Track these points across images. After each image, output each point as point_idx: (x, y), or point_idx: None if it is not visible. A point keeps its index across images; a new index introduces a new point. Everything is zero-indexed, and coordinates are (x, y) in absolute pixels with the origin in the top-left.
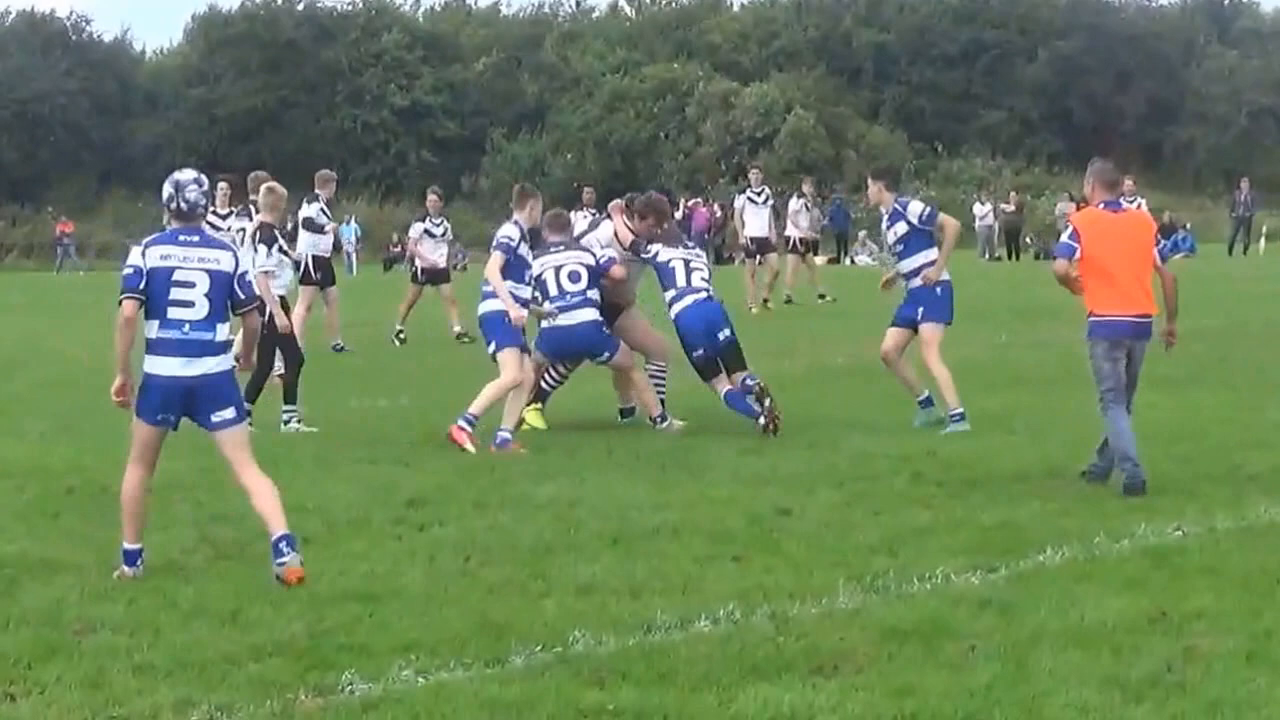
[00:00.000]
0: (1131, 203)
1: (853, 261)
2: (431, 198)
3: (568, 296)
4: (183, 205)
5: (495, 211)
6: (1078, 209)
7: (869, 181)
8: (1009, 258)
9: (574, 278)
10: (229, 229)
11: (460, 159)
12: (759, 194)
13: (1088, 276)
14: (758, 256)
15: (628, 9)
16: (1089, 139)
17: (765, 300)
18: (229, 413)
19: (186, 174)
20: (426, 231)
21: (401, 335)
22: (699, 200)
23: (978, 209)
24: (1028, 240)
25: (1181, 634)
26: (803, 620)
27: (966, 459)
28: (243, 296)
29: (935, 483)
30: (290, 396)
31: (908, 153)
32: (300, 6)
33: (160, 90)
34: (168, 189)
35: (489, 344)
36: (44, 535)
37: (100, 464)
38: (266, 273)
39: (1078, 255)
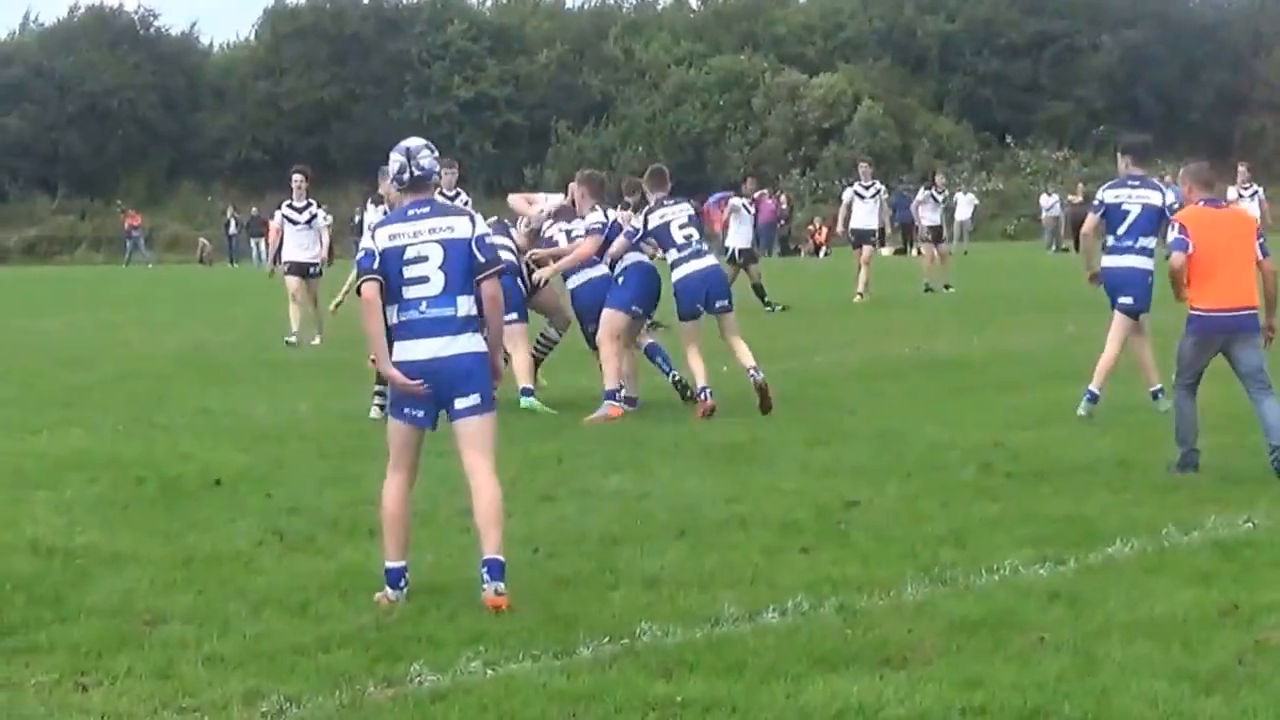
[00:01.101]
0: (1249, 191)
1: (919, 253)
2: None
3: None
4: (417, 172)
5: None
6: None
7: (1118, 156)
8: (1076, 249)
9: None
10: (305, 221)
11: (524, 150)
12: (867, 187)
13: (1192, 271)
14: (862, 248)
15: (693, 2)
16: (1157, 129)
17: (860, 293)
18: (473, 399)
19: (415, 141)
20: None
21: None
22: (765, 191)
23: (1044, 200)
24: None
25: (1252, 627)
26: (871, 612)
27: (1035, 450)
28: (482, 260)
29: (1003, 474)
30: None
31: (974, 143)
32: (367, 0)
33: (227, 84)
34: (398, 159)
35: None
36: (114, 527)
37: (170, 456)
38: None
39: (1191, 249)
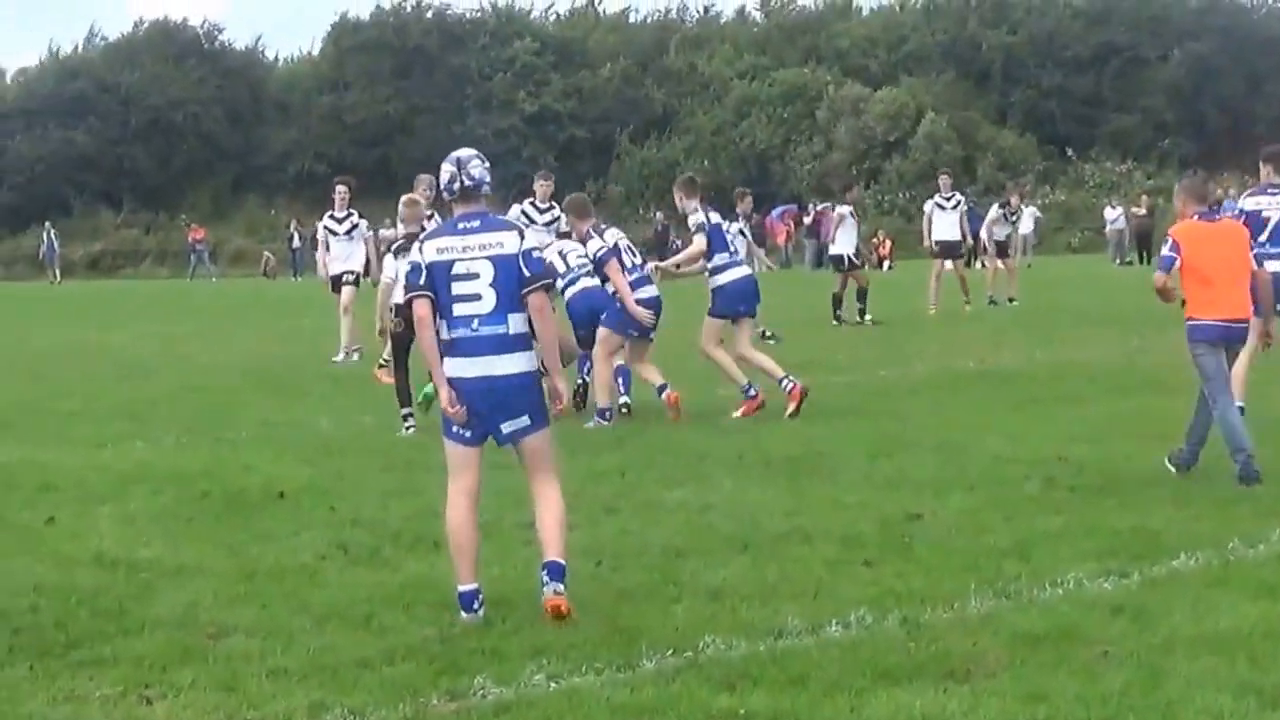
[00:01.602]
0: (950, 201)
1: (983, 265)
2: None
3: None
4: (466, 182)
5: (625, 216)
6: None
7: (1260, 164)
8: (1140, 262)
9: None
10: (345, 232)
11: (587, 164)
12: (948, 199)
13: (1187, 283)
14: (944, 260)
15: (756, 14)
16: (1223, 142)
17: (965, 302)
18: (522, 420)
19: (466, 151)
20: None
21: None
22: (828, 205)
23: (1108, 213)
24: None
25: None
26: (934, 625)
27: (1098, 464)
28: (529, 274)
29: (1067, 487)
30: (404, 400)
31: (1037, 156)
32: (429, 14)
33: (291, 97)
34: (448, 169)
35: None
36: (178, 539)
37: (234, 469)
38: (390, 283)
39: (1177, 266)
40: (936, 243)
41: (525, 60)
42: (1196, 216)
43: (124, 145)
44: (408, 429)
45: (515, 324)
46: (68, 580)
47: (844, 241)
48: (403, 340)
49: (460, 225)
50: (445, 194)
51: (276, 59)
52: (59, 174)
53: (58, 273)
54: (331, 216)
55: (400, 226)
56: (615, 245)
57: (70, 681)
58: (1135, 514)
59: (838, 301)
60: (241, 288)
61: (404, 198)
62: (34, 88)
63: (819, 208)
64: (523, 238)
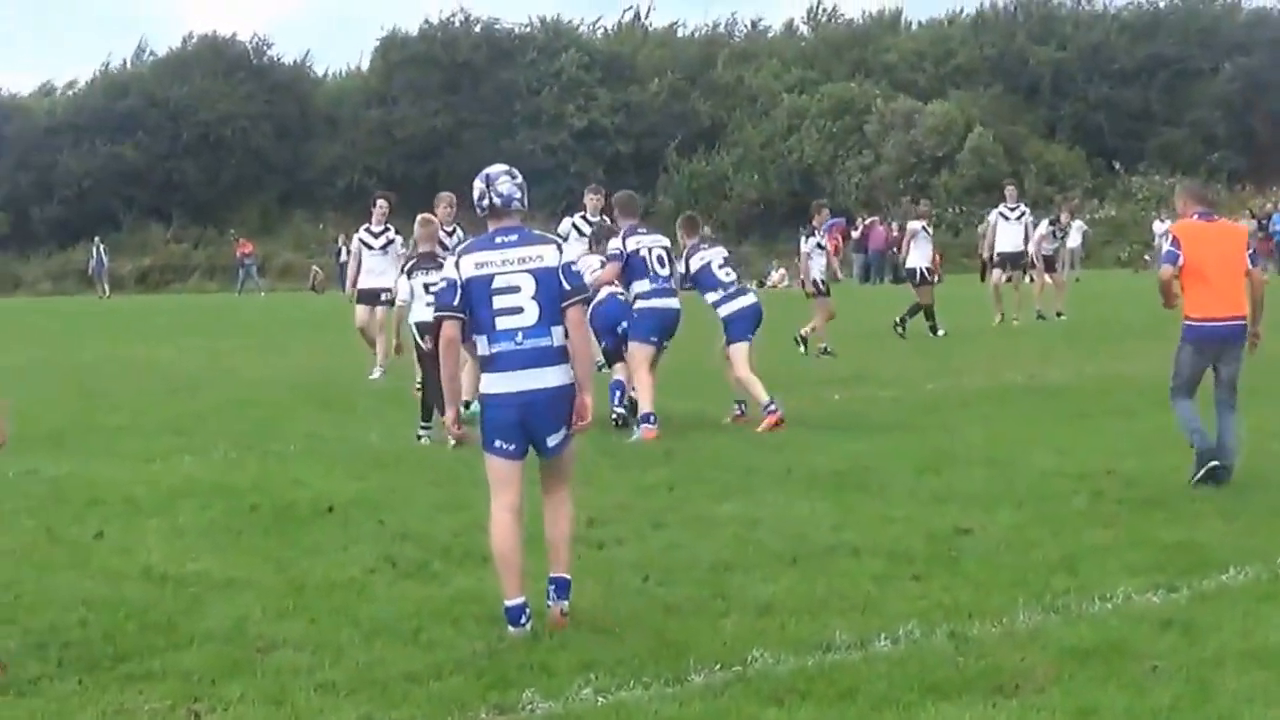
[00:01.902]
0: (1015, 211)
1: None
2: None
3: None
4: (495, 200)
5: (673, 232)
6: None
7: None
8: None
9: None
10: (380, 247)
11: (635, 178)
12: (1013, 209)
13: (1185, 282)
14: (1007, 272)
15: (804, 29)
16: (1272, 156)
17: (1014, 318)
18: (563, 434)
19: (497, 168)
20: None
21: None
22: (876, 219)
23: (1157, 226)
24: None
25: None
26: (982, 640)
27: (1147, 477)
28: (568, 287)
29: (1115, 501)
30: (427, 414)
31: (1085, 170)
32: (478, 28)
33: (339, 112)
34: (478, 186)
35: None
36: (227, 553)
37: (282, 483)
38: (405, 303)
39: (1181, 261)
40: (998, 254)
41: (572, 75)
42: (1196, 216)
43: (173, 160)
44: (419, 438)
45: (557, 336)
46: (116, 594)
47: (917, 256)
48: (432, 354)
49: (497, 239)
50: (477, 210)
51: (325, 73)
52: (108, 189)
53: (107, 287)
54: (368, 230)
55: (413, 245)
56: (622, 251)
57: (119, 695)
58: (1184, 528)
59: (929, 313)
60: (290, 302)
61: (419, 216)
62: (83, 103)
63: (867, 221)
64: (561, 251)
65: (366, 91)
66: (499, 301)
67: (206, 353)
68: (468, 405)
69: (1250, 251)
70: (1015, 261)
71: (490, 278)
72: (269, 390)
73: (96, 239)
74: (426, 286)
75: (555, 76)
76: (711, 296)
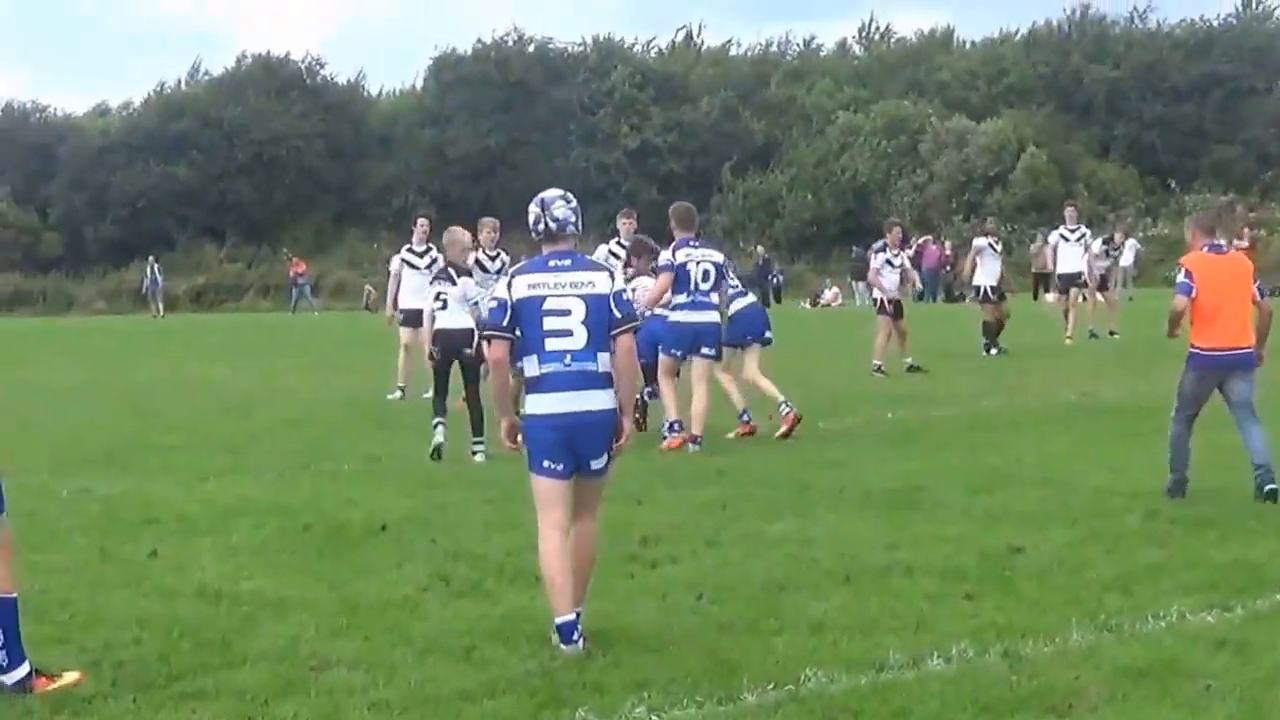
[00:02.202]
0: (1075, 233)
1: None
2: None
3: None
4: (551, 224)
5: (726, 251)
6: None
7: None
8: None
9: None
10: (424, 266)
11: (687, 197)
12: (1073, 230)
13: (1194, 312)
14: (1070, 291)
15: (857, 48)
16: None
17: (1100, 332)
18: (605, 458)
19: (552, 192)
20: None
21: None
22: (929, 238)
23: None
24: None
25: None
26: (1036, 659)
27: (1200, 496)
28: (619, 315)
29: (1169, 520)
30: (479, 429)
31: (1139, 189)
32: (531, 47)
33: (393, 132)
34: (534, 210)
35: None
36: (281, 572)
37: (336, 502)
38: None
39: (1194, 293)
40: (1060, 275)
41: (626, 94)
42: (1205, 248)
43: (227, 179)
44: (434, 452)
45: (603, 362)
46: (170, 613)
47: (984, 273)
48: (441, 365)
49: (551, 263)
50: (532, 234)
51: (379, 93)
52: (162, 208)
53: (161, 306)
54: (410, 249)
55: (441, 257)
56: (672, 263)
57: (173, 714)
58: (1238, 547)
59: (989, 330)
60: (343, 321)
61: (447, 230)
62: (138, 123)
63: (920, 240)
64: (613, 279)
65: (420, 111)
66: (549, 323)
67: (260, 372)
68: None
69: (1257, 283)
70: (1076, 282)
71: (542, 299)
72: (322, 409)
73: (151, 258)
74: (438, 295)
75: (609, 95)
76: (677, 298)
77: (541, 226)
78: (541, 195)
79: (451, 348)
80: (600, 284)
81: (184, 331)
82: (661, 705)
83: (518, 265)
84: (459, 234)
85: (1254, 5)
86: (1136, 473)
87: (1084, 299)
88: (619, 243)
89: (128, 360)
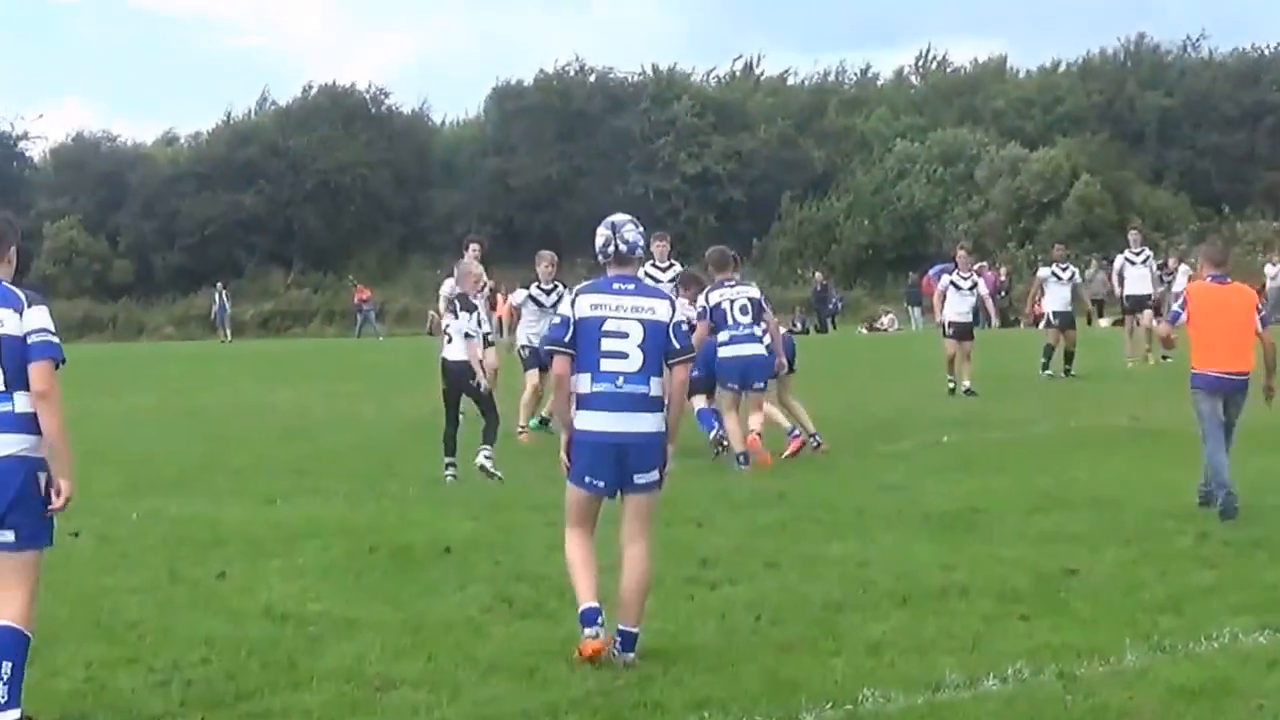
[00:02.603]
0: (1140, 255)
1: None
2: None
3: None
4: (621, 247)
5: (785, 276)
6: None
7: None
8: None
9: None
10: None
11: (746, 225)
12: (1138, 254)
13: (1192, 336)
14: (1136, 314)
15: (913, 77)
16: None
17: (1146, 355)
18: (653, 475)
19: (621, 216)
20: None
21: None
22: (985, 264)
23: (1269, 270)
24: None
25: None
26: (1090, 679)
27: (1252, 518)
28: (677, 346)
29: (1221, 542)
30: (490, 437)
31: (1192, 216)
32: (592, 78)
33: (456, 160)
34: (603, 233)
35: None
36: (347, 593)
37: (401, 524)
38: (469, 335)
39: (1182, 320)
40: (1127, 297)
41: (686, 122)
42: (1210, 278)
43: (293, 207)
44: (448, 477)
45: (655, 386)
46: (238, 633)
47: (1050, 300)
48: (450, 397)
49: (615, 285)
50: (600, 257)
51: (442, 122)
52: (230, 236)
53: (229, 332)
54: (539, 286)
55: (455, 287)
56: (705, 308)
57: None
58: None
59: (1048, 351)
60: (407, 346)
61: (460, 262)
62: (206, 152)
63: (975, 266)
64: (674, 309)
65: (482, 140)
66: (606, 344)
67: (325, 396)
68: (545, 423)
69: (1261, 314)
70: (1144, 303)
71: (602, 320)
72: (387, 433)
73: (219, 285)
74: (445, 329)
75: (669, 124)
76: (721, 336)
77: (611, 249)
78: (612, 219)
79: (456, 380)
80: (661, 312)
81: (251, 357)
82: None
83: (581, 284)
84: (471, 266)
85: None
86: (1188, 495)
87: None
88: (654, 265)
89: (196, 385)
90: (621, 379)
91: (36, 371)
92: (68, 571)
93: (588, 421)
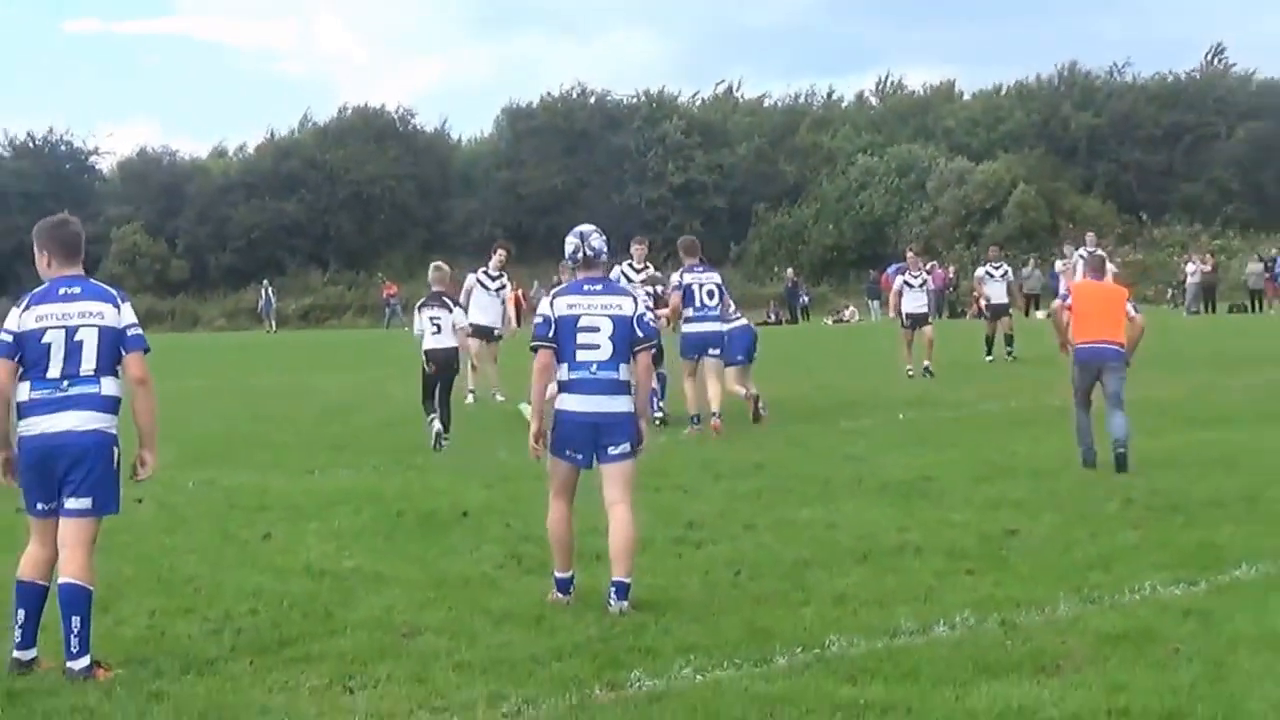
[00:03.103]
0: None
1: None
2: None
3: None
4: (589, 252)
5: (760, 275)
6: (1265, 268)
7: None
8: (1205, 311)
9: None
10: (496, 290)
11: (727, 229)
12: (1091, 252)
13: (1073, 319)
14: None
15: (873, 99)
16: (1278, 207)
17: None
18: (624, 447)
19: (588, 226)
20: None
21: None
22: (936, 263)
23: (1189, 268)
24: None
25: None
26: (1028, 627)
27: (1171, 487)
28: (641, 335)
29: (1144, 507)
30: (447, 426)
31: (1116, 221)
32: (592, 100)
33: (473, 173)
34: (573, 241)
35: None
36: (377, 552)
37: (425, 492)
38: (464, 328)
39: (1069, 302)
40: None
41: (674, 139)
42: (1090, 277)
43: (329, 214)
44: (435, 440)
45: (624, 372)
46: (281, 587)
47: (987, 294)
48: (430, 382)
49: (585, 287)
50: (570, 262)
51: (460, 139)
52: (274, 239)
53: (273, 323)
54: (485, 273)
55: (509, 284)
56: (680, 284)
57: (284, 674)
58: (1202, 530)
59: (990, 340)
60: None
61: (433, 264)
62: (253, 165)
63: (927, 266)
64: (636, 304)
65: (496, 155)
66: (581, 338)
67: (358, 380)
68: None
69: (1132, 304)
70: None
71: (577, 317)
72: (412, 412)
73: (265, 282)
74: (432, 320)
75: (659, 141)
76: (686, 313)
77: (580, 255)
78: (580, 229)
79: (444, 364)
80: (627, 307)
81: (293, 345)
82: (705, 666)
83: (559, 287)
84: (445, 269)
85: (1215, 61)
86: (1114, 466)
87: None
88: (631, 265)
89: (245, 370)
90: (595, 366)
91: (136, 361)
92: (132, 534)
93: (567, 403)
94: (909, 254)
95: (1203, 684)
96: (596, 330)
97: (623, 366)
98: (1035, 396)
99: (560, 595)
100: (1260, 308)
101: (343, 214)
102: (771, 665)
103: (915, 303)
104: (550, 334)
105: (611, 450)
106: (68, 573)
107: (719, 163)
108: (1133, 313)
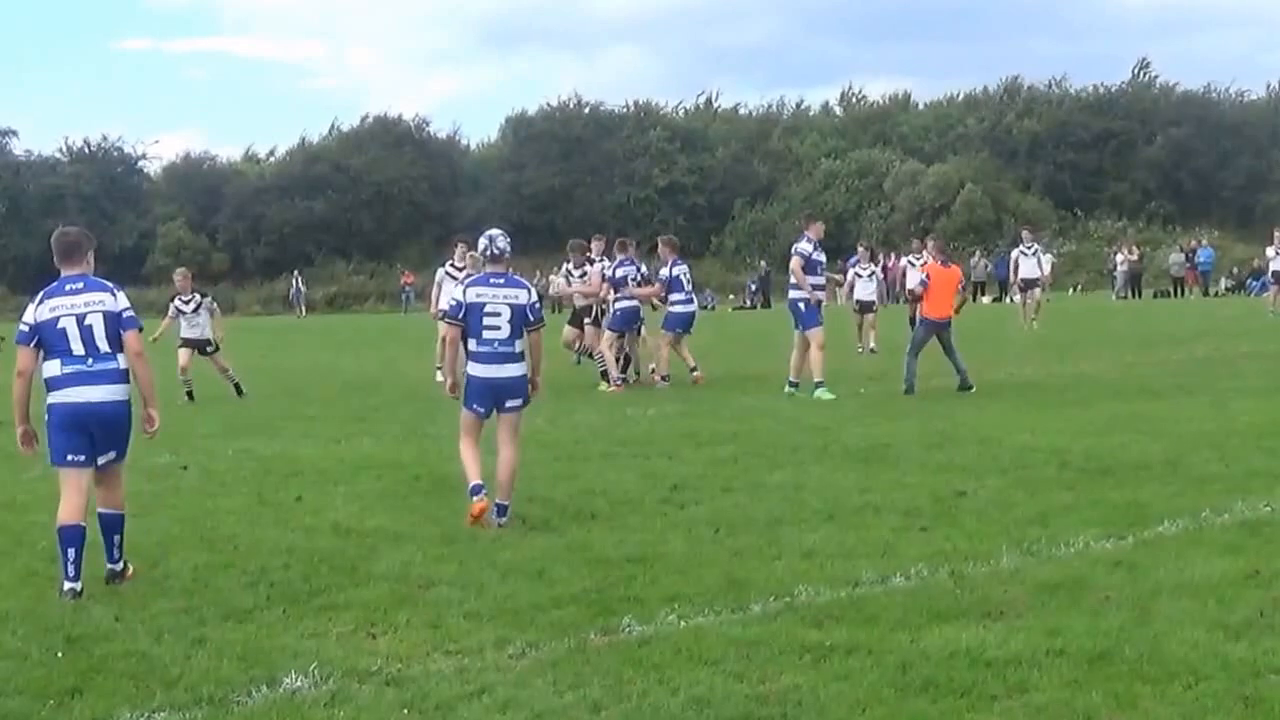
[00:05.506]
0: (1030, 249)
1: (1011, 300)
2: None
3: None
4: (494, 251)
5: (736, 265)
6: (1186, 258)
7: None
8: (1132, 297)
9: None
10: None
11: (707, 224)
12: (1029, 247)
13: (927, 298)
14: (1027, 292)
15: (837, 108)
16: (1195, 204)
17: (1031, 323)
18: (518, 401)
19: (495, 230)
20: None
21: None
22: (893, 255)
23: (1118, 258)
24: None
25: (1271, 587)
26: (975, 577)
27: (1102, 452)
28: (532, 319)
29: (1078, 470)
30: None
31: (1053, 217)
32: (587, 109)
33: (481, 174)
34: (482, 241)
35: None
36: (396, 513)
37: (439, 459)
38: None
39: (928, 283)
40: (1021, 279)
41: (659, 145)
42: (940, 262)
43: (353, 212)
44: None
45: (519, 346)
46: (311, 544)
47: (910, 281)
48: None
49: (491, 280)
50: (482, 256)
51: (469, 145)
52: (304, 234)
53: (303, 309)
54: (453, 265)
55: (465, 270)
56: (668, 277)
57: (314, 622)
58: (1129, 490)
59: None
60: None
61: (470, 254)
62: (285, 168)
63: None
64: (530, 294)
65: (501, 159)
66: (487, 320)
67: (379, 360)
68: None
69: (961, 285)
70: (1035, 284)
71: (484, 304)
72: (427, 388)
73: (295, 272)
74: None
75: (646, 147)
76: (675, 297)
77: (489, 252)
78: (490, 231)
79: None
80: (522, 297)
81: (321, 329)
82: (688, 613)
83: (471, 278)
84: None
85: (1141, 74)
86: (1052, 434)
87: (1012, 299)
88: (590, 259)
89: (278, 351)
90: (497, 343)
91: (134, 337)
92: (178, 496)
93: (476, 370)
94: (860, 248)
95: (1130, 627)
96: (498, 315)
97: (518, 342)
98: (980, 372)
99: (476, 499)
100: (1182, 293)
101: (364, 211)
102: (747, 612)
103: (864, 291)
104: (460, 315)
105: (508, 404)
106: (108, 504)
107: (699, 165)
108: (961, 289)
